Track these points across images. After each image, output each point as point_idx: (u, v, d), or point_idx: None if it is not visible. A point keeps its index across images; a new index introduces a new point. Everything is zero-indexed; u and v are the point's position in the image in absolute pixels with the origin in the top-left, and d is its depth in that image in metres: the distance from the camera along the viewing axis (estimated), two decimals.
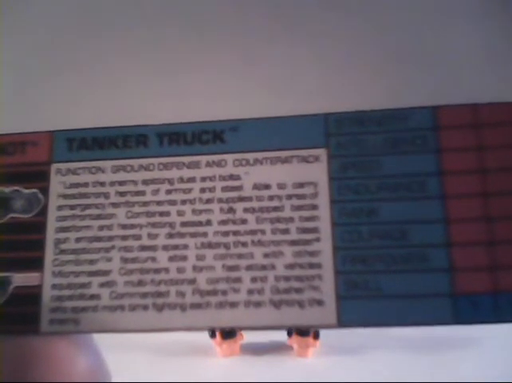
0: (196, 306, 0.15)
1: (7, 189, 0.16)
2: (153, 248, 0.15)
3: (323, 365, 0.44)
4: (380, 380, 0.39)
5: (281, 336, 0.45)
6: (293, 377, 0.42)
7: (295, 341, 0.45)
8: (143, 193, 0.16)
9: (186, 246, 0.15)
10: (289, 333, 0.45)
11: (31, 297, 0.15)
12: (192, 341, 0.44)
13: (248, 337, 0.45)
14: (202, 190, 0.15)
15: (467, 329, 0.42)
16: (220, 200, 0.15)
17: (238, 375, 0.42)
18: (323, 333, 0.44)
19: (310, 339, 0.44)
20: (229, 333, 0.44)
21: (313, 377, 0.42)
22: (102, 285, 0.15)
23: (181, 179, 0.16)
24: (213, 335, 0.44)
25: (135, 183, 0.16)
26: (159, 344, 0.44)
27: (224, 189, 0.15)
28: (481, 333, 0.44)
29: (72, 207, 0.16)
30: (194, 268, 0.15)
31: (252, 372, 0.43)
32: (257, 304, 0.15)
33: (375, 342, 0.45)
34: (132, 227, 0.15)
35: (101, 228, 0.15)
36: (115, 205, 0.16)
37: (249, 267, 0.15)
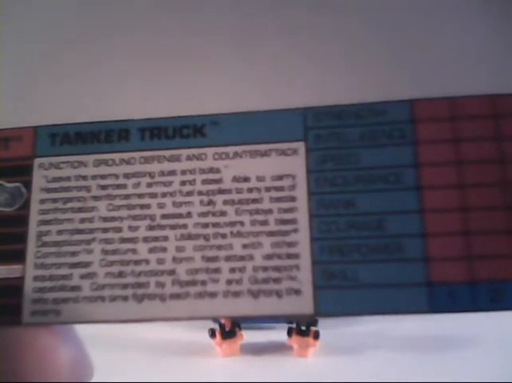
0: (176, 296, 0.15)
1: None
2: (133, 240, 0.15)
3: (323, 365, 0.44)
4: (380, 380, 0.39)
5: (281, 336, 0.45)
6: (293, 377, 0.42)
7: (295, 341, 0.45)
8: (124, 186, 0.16)
9: (166, 238, 0.15)
10: (289, 333, 0.45)
11: (13, 288, 0.15)
12: (192, 341, 0.44)
13: (248, 337, 0.45)
14: (183, 183, 0.16)
15: (468, 329, 0.42)
16: (200, 193, 0.16)
17: (238, 375, 0.42)
18: (323, 333, 0.44)
19: (310, 339, 0.44)
20: (229, 333, 0.44)
21: (313, 377, 0.42)
22: (83, 276, 0.15)
23: (162, 173, 0.16)
24: (213, 335, 0.44)
25: (116, 176, 0.16)
26: (158, 343, 0.44)
27: (204, 182, 0.16)
28: (481, 333, 0.44)
29: (54, 201, 0.16)
30: (174, 259, 0.15)
31: (252, 372, 0.43)
32: (236, 294, 0.15)
33: (375, 342, 0.45)
34: (113, 219, 0.16)
35: (83, 221, 0.16)
36: (96, 198, 0.16)
37: (228, 258, 0.15)
